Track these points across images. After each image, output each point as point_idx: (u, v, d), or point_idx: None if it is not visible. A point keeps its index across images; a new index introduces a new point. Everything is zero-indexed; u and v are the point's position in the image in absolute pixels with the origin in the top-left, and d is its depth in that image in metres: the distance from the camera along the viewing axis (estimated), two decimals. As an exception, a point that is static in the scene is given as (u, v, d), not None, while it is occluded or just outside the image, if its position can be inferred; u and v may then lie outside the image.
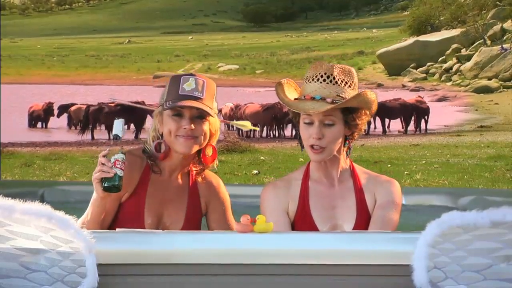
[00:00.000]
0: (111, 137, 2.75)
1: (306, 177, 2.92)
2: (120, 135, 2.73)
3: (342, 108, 2.80)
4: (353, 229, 2.85)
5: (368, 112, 2.85)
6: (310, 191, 2.89)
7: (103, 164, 2.73)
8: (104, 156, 2.73)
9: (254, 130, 21.49)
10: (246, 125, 3.17)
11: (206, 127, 2.92)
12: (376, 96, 2.86)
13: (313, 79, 2.83)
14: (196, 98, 2.88)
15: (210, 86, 2.93)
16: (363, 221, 2.86)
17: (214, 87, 2.95)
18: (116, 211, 2.95)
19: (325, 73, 2.82)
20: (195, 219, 3.03)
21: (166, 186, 2.99)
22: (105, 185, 2.73)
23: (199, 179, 3.04)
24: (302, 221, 2.87)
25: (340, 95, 2.80)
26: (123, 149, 2.75)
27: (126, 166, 2.77)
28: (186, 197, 3.01)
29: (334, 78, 2.81)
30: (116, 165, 2.72)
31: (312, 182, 2.90)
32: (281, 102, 2.90)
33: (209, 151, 2.99)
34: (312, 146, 2.83)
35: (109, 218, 2.93)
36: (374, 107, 2.86)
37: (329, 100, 2.78)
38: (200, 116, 2.91)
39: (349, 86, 2.83)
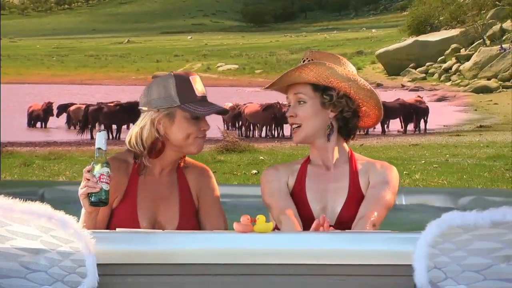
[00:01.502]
0: (95, 151, 2.71)
1: (306, 162, 3.02)
2: (104, 148, 2.70)
3: (312, 85, 2.90)
4: (342, 209, 2.91)
5: (347, 92, 2.89)
6: (308, 172, 3.00)
7: (88, 179, 2.70)
8: (88, 171, 2.71)
9: (254, 130, 21.52)
10: None
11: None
12: (353, 76, 2.89)
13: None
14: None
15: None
16: (353, 202, 2.91)
17: None
18: (108, 218, 2.94)
19: (302, 58, 2.97)
20: (190, 213, 3.00)
21: (155, 185, 2.98)
22: (92, 200, 2.71)
23: (187, 169, 3.03)
24: (297, 199, 2.95)
25: None
26: (107, 162, 2.72)
27: (112, 178, 2.74)
28: (177, 192, 3.00)
29: (310, 61, 2.92)
30: (102, 180, 2.69)
31: (311, 165, 3.01)
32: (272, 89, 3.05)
33: None
34: (292, 127, 2.98)
35: (103, 226, 2.92)
36: (358, 84, 2.88)
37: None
38: None
39: None
